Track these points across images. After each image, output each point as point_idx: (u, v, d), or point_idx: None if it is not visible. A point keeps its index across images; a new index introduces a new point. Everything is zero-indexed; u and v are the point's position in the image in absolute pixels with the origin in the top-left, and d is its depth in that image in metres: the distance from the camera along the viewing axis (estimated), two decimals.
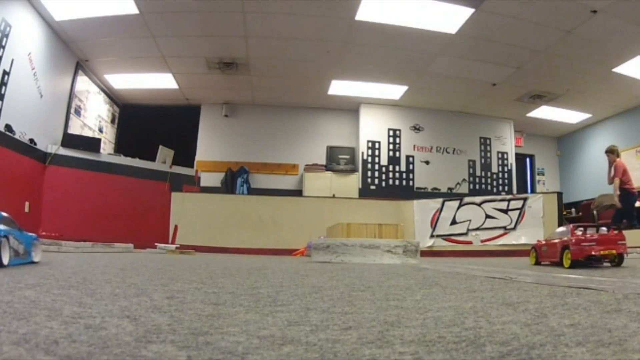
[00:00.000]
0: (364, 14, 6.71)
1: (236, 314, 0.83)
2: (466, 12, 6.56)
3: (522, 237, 7.09)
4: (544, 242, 4.21)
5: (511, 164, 10.98)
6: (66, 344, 0.55)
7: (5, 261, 2.15)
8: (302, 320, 0.79)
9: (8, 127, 6.20)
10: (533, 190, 11.51)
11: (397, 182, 10.35)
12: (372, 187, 10.22)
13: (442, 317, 0.84)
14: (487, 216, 7.42)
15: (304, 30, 7.28)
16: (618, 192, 6.57)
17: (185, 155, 9.70)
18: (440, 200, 7.78)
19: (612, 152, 6.83)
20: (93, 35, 7.41)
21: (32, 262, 2.59)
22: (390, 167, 10.38)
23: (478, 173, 10.74)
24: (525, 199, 7.38)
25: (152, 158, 8.53)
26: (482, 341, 0.63)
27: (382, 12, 6.71)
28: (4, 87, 6.04)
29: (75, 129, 8.29)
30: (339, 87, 9.59)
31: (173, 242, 7.14)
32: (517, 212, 7.28)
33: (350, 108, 10.60)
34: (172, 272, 1.96)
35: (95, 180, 7.81)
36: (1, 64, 5.94)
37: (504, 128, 11.06)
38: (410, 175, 10.42)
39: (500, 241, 7.27)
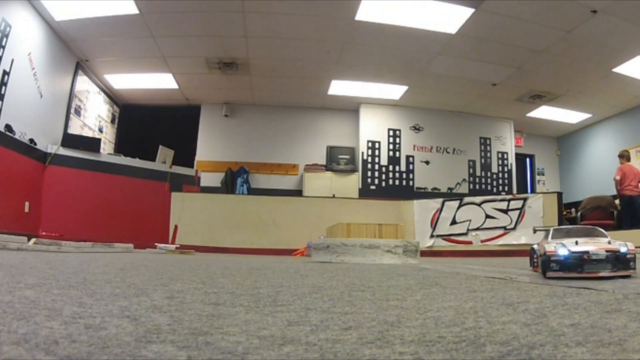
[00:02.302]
0: (364, 14, 6.71)
1: (236, 314, 0.83)
2: (466, 12, 6.56)
3: (522, 237, 7.09)
4: None
5: (511, 164, 10.98)
6: (66, 344, 0.55)
7: None
8: (302, 320, 0.79)
9: (8, 127, 6.20)
10: (533, 190, 11.51)
11: (397, 182, 10.36)
12: (372, 187, 10.23)
13: (442, 317, 0.84)
14: (487, 216, 7.42)
15: (304, 30, 7.28)
16: None
17: (185, 155, 9.70)
18: (440, 200, 7.77)
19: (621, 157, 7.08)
20: (93, 35, 7.42)
21: None
22: (390, 167, 10.38)
23: (478, 173, 10.74)
24: (525, 199, 7.37)
25: (152, 158, 8.54)
26: (482, 341, 0.63)
27: (382, 12, 6.71)
28: (4, 87, 6.05)
29: (75, 129, 8.30)
30: (339, 87, 9.59)
31: (173, 242, 7.13)
32: (517, 212, 7.27)
33: (350, 108, 10.60)
34: (172, 272, 1.96)
35: (95, 180, 7.81)
36: (1, 64, 5.95)
37: (504, 128, 11.06)
38: (410, 175, 10.43)
39: (500, 241, 7.27)
